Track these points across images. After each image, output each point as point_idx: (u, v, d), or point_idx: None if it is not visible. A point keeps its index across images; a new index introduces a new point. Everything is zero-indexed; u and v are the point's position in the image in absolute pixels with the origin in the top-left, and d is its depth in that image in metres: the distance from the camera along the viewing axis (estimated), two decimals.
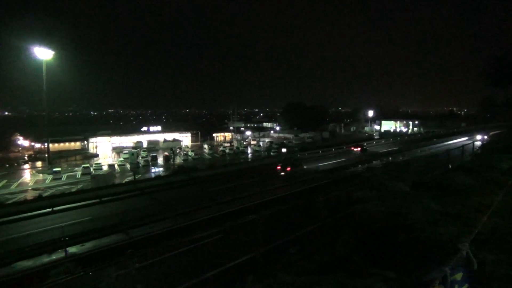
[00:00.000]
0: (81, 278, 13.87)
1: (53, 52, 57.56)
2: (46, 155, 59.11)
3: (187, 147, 77.39)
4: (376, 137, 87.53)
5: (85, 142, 74.14)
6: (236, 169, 43.26)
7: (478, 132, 59.03)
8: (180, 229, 21.28)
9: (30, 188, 40.39)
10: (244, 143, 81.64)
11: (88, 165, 51.50)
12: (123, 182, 39.40)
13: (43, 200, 28.99)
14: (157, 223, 22.02)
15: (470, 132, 71.83)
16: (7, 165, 55.82)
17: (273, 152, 64.08)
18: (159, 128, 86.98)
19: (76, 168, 52.81)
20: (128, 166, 54.34)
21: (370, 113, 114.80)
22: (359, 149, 58.67)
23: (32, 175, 49.70)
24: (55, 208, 26.47)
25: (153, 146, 75.28)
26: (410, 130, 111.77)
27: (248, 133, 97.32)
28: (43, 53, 56.57)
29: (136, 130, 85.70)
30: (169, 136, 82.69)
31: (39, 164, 58.36)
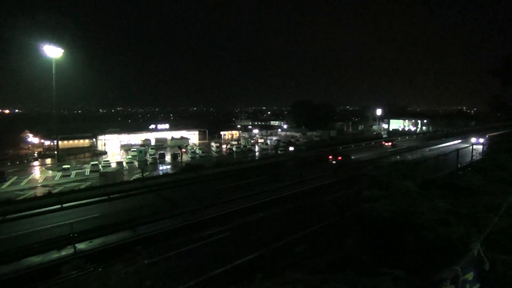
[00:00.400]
0: (90, 274, 14.02)
1: (63, 50, 58.14)
2: (56, 152, 59.95)
3: (195, 145, 77.63)
4: (384, 136, 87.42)
5: (94, 139, 74.80)
6: (248, 166, 44.94)
7: (487, 132, 58.71)
8: (188, 226, 21.43)
9: (39, 185, 40.87)
10: (252, 141, 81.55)
11: (96, 162, 52.01)
12: (131, 179, 39.78)
13: (52, 197, 29.41)
14: (165, 221, 22.18)
15: (479, 131, 71.18)
16: (17, 162, 56.77)
17: (281, 151, 64.09)
18: (167, 126, 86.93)
19: (85, 165, 53.32)
20: (136, 163, 54.67)
21: (378, 112, 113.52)
22: (390, 143, 65.74)
23: (41, 172, 50.27)
24: (64, 205, 26.85)
25: (161, 144, 75.63)
26: (418, 129, 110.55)
27: (256, 131, 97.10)
28: (52, 51, 57.12)
29: (144, 128, 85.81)
30: (177, 134, 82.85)
31: (48, 161, 59.19)
